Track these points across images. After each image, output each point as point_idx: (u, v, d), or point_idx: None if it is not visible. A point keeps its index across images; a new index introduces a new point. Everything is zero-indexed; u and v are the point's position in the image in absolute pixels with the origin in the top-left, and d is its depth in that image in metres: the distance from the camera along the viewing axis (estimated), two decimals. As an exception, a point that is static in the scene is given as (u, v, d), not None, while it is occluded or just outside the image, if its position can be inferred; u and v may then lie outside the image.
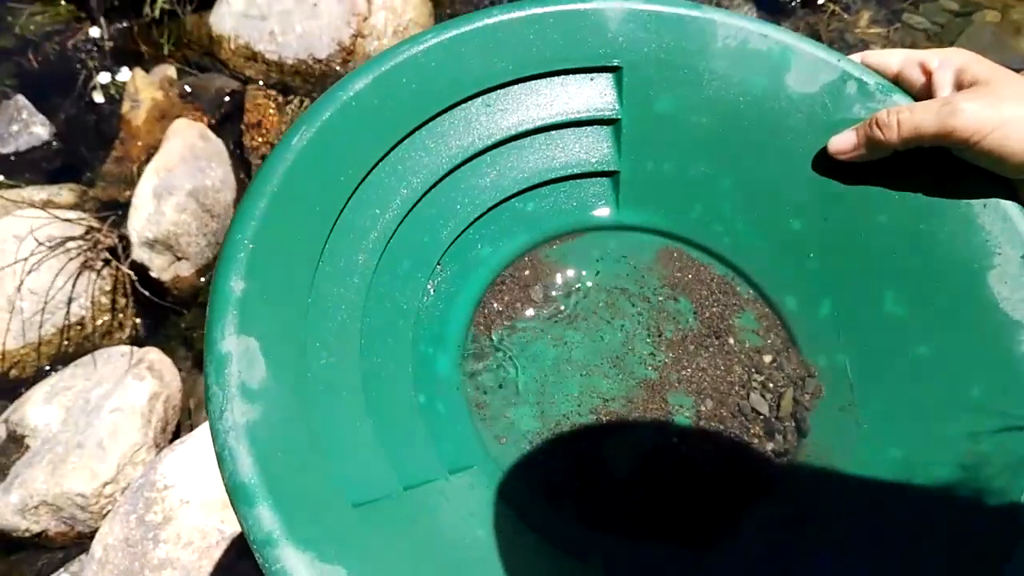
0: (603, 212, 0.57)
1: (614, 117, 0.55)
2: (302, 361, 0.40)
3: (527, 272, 0.54)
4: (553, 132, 0.55)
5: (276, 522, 0.33)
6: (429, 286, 0.51)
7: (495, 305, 0.53)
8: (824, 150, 0.51)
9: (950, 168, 0.48)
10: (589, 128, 0.55)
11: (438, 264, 0.51)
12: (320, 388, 0.41)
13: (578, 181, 0.56)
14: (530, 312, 0.53)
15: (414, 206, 0.50)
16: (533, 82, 0.53)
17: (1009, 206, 0.47)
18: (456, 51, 0.50)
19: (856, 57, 0.53)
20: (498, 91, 0.53)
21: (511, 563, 0.41)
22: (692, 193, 0.55)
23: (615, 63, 0.54)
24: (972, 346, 0.46)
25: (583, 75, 0.54)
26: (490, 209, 0.53)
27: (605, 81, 0.54)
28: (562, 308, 0.54)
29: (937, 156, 0.48)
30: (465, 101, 0.52)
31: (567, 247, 0.56)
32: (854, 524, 0.44)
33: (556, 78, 0.54)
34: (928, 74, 0.50)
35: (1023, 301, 0.45)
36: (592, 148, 0.55)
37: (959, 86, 0.48)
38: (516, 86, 0.53)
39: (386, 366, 0.46)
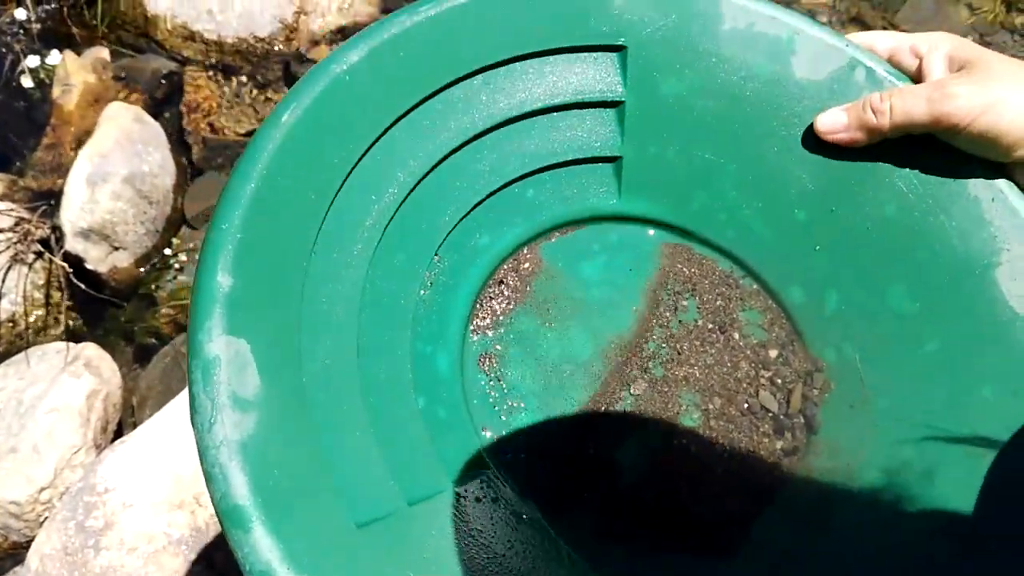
0: (605, 200, 0.54)
1: (618, 99, 0.52)
2: (297, 365, 0.37)
3: (527, 265, 0.52)
4: (555, 114, 0.52)
5: (275, 549, 0.31)
6: (427, 278, 0.48)
7: (495, 301, 0.51)
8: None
9: (956, 160, 0.47)
10: (592, 111, 0.53)
11: (436, 255, 0.48)
12: (318, 395, 0.38)
13: (580, 167, 0.54)
14: (531, 308, 0.51)
15: (411, 191, 0.47)
16: (535, 60, 0.51)
17: (1017, 201, 0.46)
18: (455, 24, 0.47)
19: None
20: (499, 69, 0.50)
21: None
22: (696, 180, 0.53)
23: (620, 42, 0.51)
24: (983, 344, 0.45)
25: (587, 54, 0.52)
26: (490, 195, 0.51)
27: (609, 61, 0.52)
28: (564, 304, 0.52)
29: (944, 146, 0.47)
30: (464, 79, 0.49)
31: (568, 239, 0.54)
32: (868, 530, 0.43)
33: (559, 56, 0.51)
34: (919, 58, 0.49)
35: None
36: (595, 132, 0.53)
37: (950, 70, 0.47)
38: (517, 64, 0.50)
39: (384, 367, 0.43)
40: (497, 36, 0.49)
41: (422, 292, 0.47)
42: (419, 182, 0.47)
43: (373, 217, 0.45)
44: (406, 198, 0.46)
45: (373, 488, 0.38)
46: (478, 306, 0.50)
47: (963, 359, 0.45)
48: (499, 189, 0.51)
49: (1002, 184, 0.46)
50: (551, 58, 0.51)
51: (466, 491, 0.41)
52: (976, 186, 0.47)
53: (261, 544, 0.31)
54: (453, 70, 0.48)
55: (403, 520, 0.37)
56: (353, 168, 0.43)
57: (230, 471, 0.31)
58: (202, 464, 0.32)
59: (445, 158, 0.48)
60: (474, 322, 0.50)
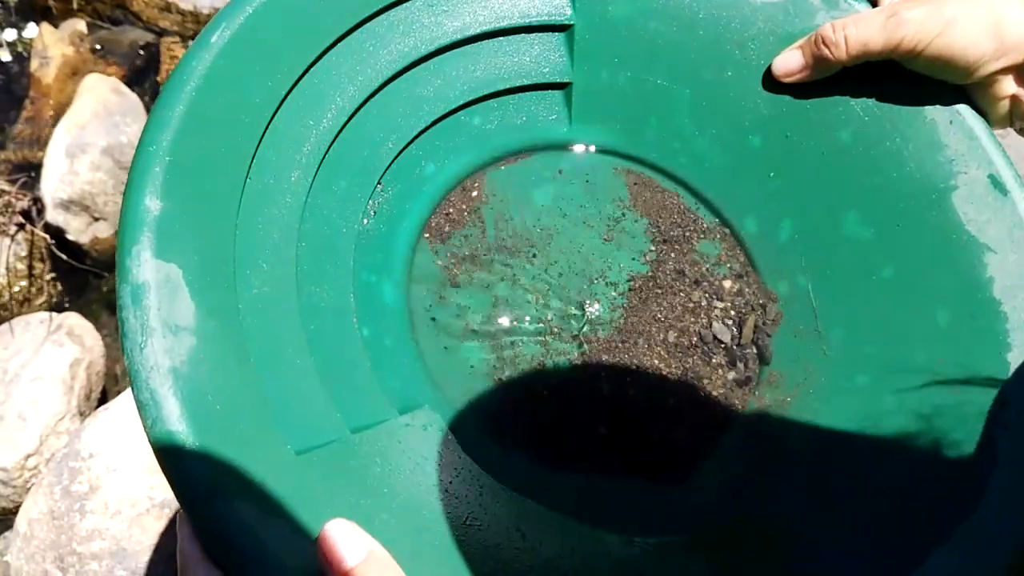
0: (555, 128, 0.52)
1: (567, 23, 0.50)
2: (231, 291, 0.36)
3: (475, 194, 0.51)
4: (502, 38, 0.50)
5: (209, 476, 0.29)
6: (370, 207, 0.46)
7: (442, 229, 0.49)
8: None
9: (914, 83, 0.46)
10: (540, 34, 0.51)
11: (379, 183, 0.47)
12: (253, 321, 0.36)
13: (528, 94, 0.52)
14: (479, 237, 0.50)
15: (351, 117, 0.45)
16: None
17: (975, 123, 0.45)
18: None
19: None
20: None
21: (470, 510, 0.38)
22: (649, 107, 0.51)
23: None
24: (938, 269, 0.44)
25: None
26: (435, 123, 0.49)
27: None
28: (513, 234, 0.50)
29: (901, 69, 0.46)
30: (405, 0, 0.47)
31: (517, 168, 0.52)
32: (820, 458, 0.43)
33: None
34: None
35: (989, 223, 0.43)
36: (544, 56, 0.51)
37: None
38: None
39: (325, 296, 0.42)
40: None
41: (365, 221, 0.46)
42: (359, 107, 0.45)
43: (311, 143, 0.43)
44: (346, 124, 0.45)
45: (314, 415, 0.36)
46: (425, 235, 0.49)
47: (917, 285, 0.44)
48: (444, 116, 0.49)
49: (960, 106, 0.45)
50: None
51: (412, 420, 0.41)
52: (933, 109, 0.46)
53: (194, 470, 0.29)
54: None
55: (345, 447, 0.36)
56: (289, 92, 0.41)
57: (161, 396, 0.30)
58: (133, 391, 0.30)
59: (387, 83, 0.46)
60: (420, 251, 0.48)
